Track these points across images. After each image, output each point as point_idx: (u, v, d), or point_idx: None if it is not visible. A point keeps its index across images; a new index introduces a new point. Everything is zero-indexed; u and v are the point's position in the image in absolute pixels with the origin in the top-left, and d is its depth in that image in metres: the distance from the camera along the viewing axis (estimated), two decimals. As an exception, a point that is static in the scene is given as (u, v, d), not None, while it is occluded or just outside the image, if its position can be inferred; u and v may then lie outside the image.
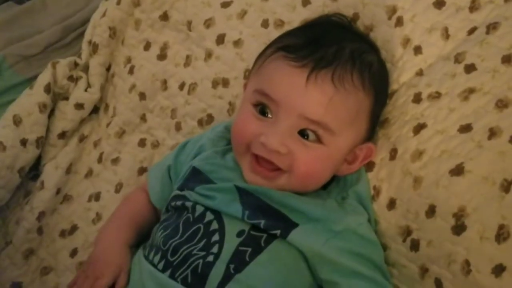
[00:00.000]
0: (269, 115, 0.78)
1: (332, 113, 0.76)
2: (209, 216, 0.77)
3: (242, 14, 0.99)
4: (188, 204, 0.79)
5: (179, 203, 0.80)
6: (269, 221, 0.74)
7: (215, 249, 0.73)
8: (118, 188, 0.99)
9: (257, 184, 0.78)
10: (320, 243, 0.73)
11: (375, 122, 0.84)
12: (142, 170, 1.00)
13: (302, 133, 0.77)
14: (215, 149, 0.87)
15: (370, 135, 0.84)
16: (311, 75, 0.75)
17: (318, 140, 0.77)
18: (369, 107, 0.81)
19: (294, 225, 0.75)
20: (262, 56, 0.84)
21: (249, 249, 0.73)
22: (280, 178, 0.77)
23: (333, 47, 0.78)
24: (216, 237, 0.74)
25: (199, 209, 0.78)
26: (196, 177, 0.83)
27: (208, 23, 1.00)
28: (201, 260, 0.73)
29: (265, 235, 0.74)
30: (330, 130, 0.76)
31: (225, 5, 1.00)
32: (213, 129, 0.91)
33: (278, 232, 0.74)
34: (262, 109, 0.79)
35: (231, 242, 0.74)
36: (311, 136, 0.77)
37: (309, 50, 0.77)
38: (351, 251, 0.74)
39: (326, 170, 0.80)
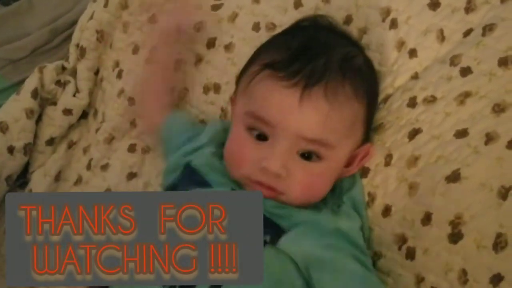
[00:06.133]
0: (266, 138, 0.75)
1: (330, 129, 0.74)
2: None
3: (233, 17, 0.97)
4: None
5: None
6: None
7: None
8: (107, 194, 0.97)
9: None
10: (311, 244, 0.72)
11: (370, 124, 0.83)
12: (131, 176, 0.98)
13: (303, 154, 0.75)
14: (213, 150, 0.84)
15: (366, 138, 0.82)
16: (304, 94, 0.73)
17: (318, 157, 0.75)
18: (364, 113, 0.79)
19: (285, 231, 0.73)
20: (247, 73, 0.81)
21: None
22: (280, 197, 0.76)
23: (321, 58, 0.75)
24: None
25: None
26: (191, 177, 0.81)
27: (198, 27, 0.98)
28: None
29: None
30: (329, 145, 0.75)
31: (215, 7, 0.98)
32: (213, 127, 0.89)
33: (267, 237, 0.72)
34: (259, 135, 0.76)
35: None
36: (312, 156, 0.75)
37: (297, 65, 0.74)
38: (341, 251, 0.72)
39: (327, 184, 0.79)
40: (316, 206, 0.79)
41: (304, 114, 0.73)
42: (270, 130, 0.75)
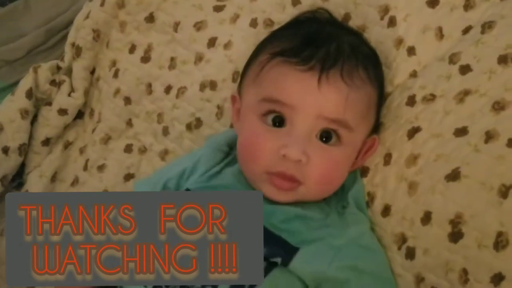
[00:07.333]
0: (283, 124, 0.74)
1: (350, 110, 0.74)
2: None
3: (235, 18, 0.96)
4: None
5: None
6: (269, 249, 0.70)
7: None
8: (104, 195, 0.96)
9: (286, 201, 0.75)
10: (324, 266, 0.70)
11: (380, 112, 0.83)
12: (128, 176, 0.97)
13: (321, 137, 0.75)
14: (208, 169, 0.82)
15: (376, 127, 0.82)
16: (321, 76, 0.73)
17: (338, 140, 0.75)
18: (376, 98, 0.80)
19: (295, 250, 0.71)
20: (255, 64, 0.80)
21: None
22: (299, 188, 0.75)
23: (332, 44, 0.76)
24: None
25: None
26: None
27: (199, 26, 0.97)
28: None
29: (264, 264, 0.69)
30: (349, 127, 0.75)
31: (217, 9, 0.97)
32: (207, 145, 0.87)
33: (279, 260, 0.70)
34: (274, 119, 0.75)
35: None
36: (332, 137, 0.75)
37: (310, 51, 0.74)
38: (356, 268, 0.71)
39: (342, 173, 0.78)
40: (322, 209, 0.78)
41: (324, 94, 0.73)
42: (289, 114, 0.74)
